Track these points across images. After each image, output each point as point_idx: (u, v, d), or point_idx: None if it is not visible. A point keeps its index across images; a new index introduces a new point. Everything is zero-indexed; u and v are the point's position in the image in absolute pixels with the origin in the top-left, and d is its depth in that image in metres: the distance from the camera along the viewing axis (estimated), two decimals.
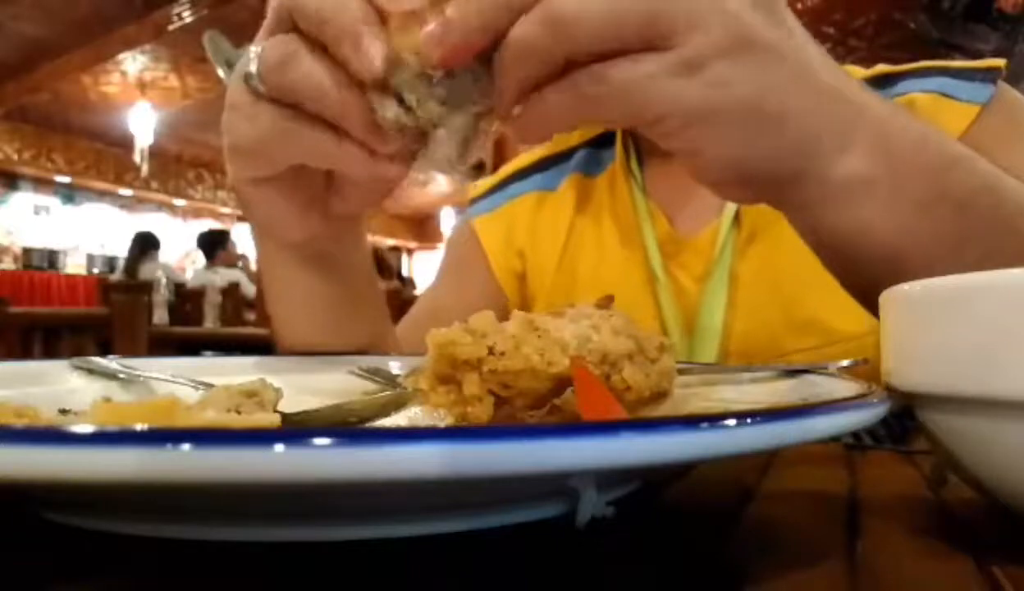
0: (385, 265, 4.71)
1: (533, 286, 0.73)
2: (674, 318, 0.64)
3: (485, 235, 0.75)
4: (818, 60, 0.34)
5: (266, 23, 0.36)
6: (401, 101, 0.32)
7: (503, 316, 0.75)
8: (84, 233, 9.24)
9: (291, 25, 0.34)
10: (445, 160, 0.34)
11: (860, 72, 0.66)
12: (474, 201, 0.79)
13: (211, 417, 0.28)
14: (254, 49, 0.35)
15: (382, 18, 0.32)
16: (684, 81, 0.30)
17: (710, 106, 0.31)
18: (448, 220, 11.00)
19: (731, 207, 0.64)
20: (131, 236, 5.30)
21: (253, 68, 0.35)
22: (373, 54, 0.31)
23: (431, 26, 0.31)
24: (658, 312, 0.65)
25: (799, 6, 4.82)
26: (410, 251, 11.69)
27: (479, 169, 0.34)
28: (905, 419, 0.41)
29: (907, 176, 0.35)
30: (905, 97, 0.62)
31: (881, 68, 0.67)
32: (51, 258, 8.69)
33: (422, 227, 12.06)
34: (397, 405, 0.36)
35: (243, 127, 0.37)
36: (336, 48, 0.32)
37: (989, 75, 0.61)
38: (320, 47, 0.33)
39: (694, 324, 0.63)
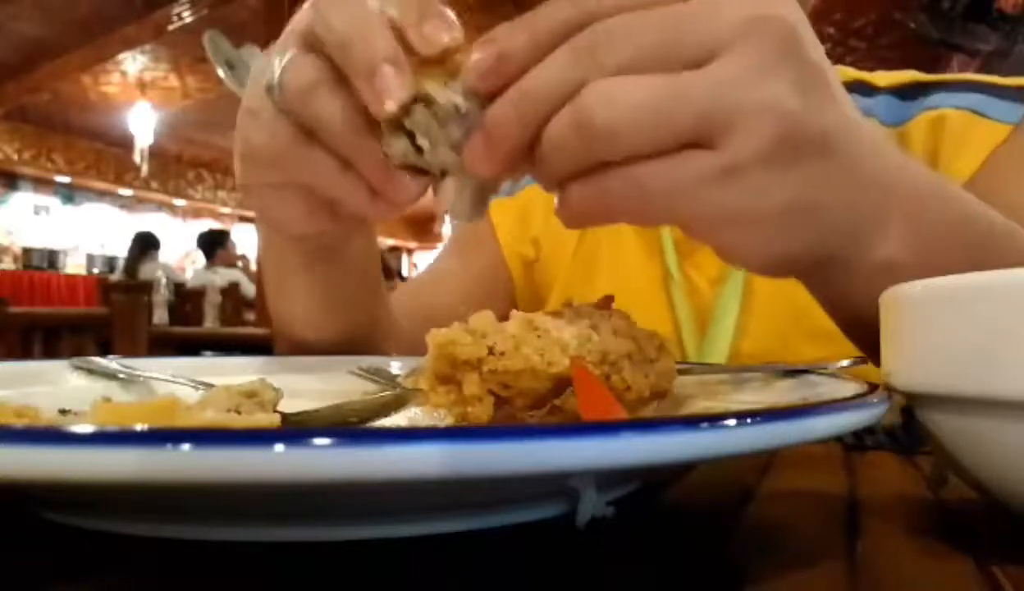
0: (385, 265, 4.70)
1: (548, 275, 0.73)
2: (687, 318, 0.64)
3: (498, 216, 0.75)
4: (864, 142, 0.32)
5: (291, 32, 0.35)
6: (413, 138, 0.31)
7: (507, 298, 0.75)
8: (84, 233, 9.24)
9: (314, 42, 0.33)
10: (448, 204, 0.32)
11: (891, 77, 0.66)
12: None
13: (211, 417, 0.28)
14: (278, 60, 0.34)
15: (408, 50, 0.30)
16: (723, 186, 0.28)
17: (745, 212, 0.29)
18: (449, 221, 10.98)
19: None
20: (131, 236, 5.31)
21: (276, 80, 0.34)
22: (388, 95, 0.30)
23: (475, 138, 0.30)
24: (672, 310, 0.65)
25: None
26: (410, 251, 11.69)
27: (480, 212, 0.33)
28: (910, 429, 0.41)
29: (940, 256, 0.33)
30: (936, 111, 0.61)
31: (914, 75, 0.66)
32: (51, 258, 8.70)
33: (422, 227, 12.06)
34: (397, 405, 0.36)
35: (260, 136, 0.37)
36: (354, 79, 0.31)
37: (1022, 94, 0.60)
38: (343, 77, 0.32)
39: (707, 325, 0.63)
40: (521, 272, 0.75)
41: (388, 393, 0.38)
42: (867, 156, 0.32)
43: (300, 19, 0.35)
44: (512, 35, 0.29)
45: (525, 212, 0.75)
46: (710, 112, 0.27)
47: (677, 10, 0.28)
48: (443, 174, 0.32)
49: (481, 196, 0.32)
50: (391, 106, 0.30)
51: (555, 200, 0.31)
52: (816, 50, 0.30)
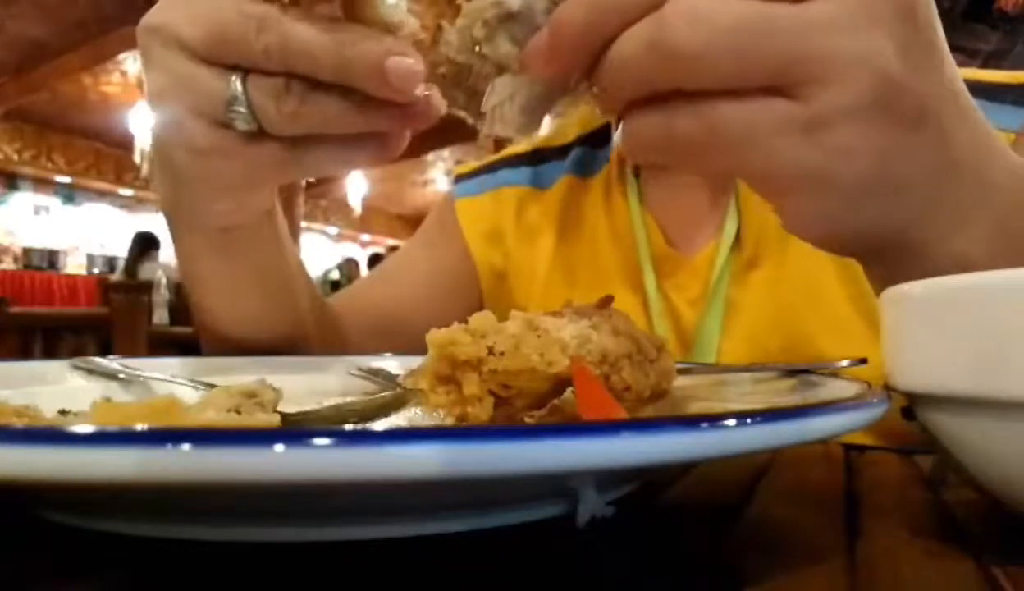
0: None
1: (520, 292, 0.70)
2: (666, 340, 0.62)
3: (467, 221, 0.72)
4: (968, 126, 0.29)
5: (213, 44, 0.33)
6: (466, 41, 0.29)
7: (472, 297, 0.73)
8: (84, 233, 9.24)
9: (255, 57, 0.32)
10: (497, 109, 0.30)
11: None
12: (459, 179, 0.76)
13: (211, 417, 0.28)
14: (235, 85, 0.33)
15: None
16: (804, 141, 0.26)
17: (823, 175, 0.27)
18: None
19: (731, 228, 0.61)
20: (131, 236, 5.30)
21: (242, 110, 0.33)
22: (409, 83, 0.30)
23: (538, 35, 0.28)
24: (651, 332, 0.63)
25: None
26: None
27: (529, 125, 0.31)
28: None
29: (1018, 260, 0.30)
30: None
31: None
32: (51, 258, 8.70)
33: None
34: (397, 405, 0.36)
35: (231, 169, 0.36)
36: (364, 86, 0.31)
37: (1022, 95, 0.56)
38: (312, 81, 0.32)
39: (689, 349, 0.61)
40: (491, 281, 0.72)
41: (388, 393, 0.38)
42: (968, 142, 0.29)
43: (187, 35, 0.33)
44: None
45: (495, 219, 0.72)
46: (801, 54, 0.25)
47: None
48: (500, 72, 0.30)
49: (533, 107, 0.30)
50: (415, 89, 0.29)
51: (615, 130, 0.29)
52: (930, 11, 0.27)
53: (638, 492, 0.28)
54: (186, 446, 0.15)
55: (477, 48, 0.29)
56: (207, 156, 0.35)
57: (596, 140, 0.71)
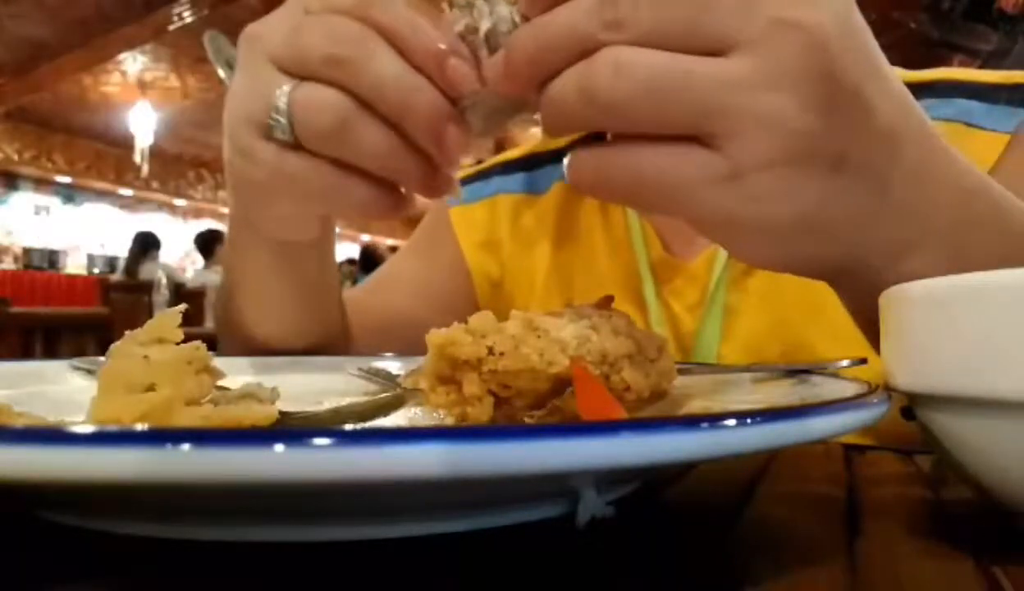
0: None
1: (516, 300, 0.70)
2: None
3: (462, 229, 0.72)
4: (904, 166, 0.29)
5: (267, 54, 0.34)
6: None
7: (469, 305, 0.73)
8: (84, 233, 9.25)
9: (320, 73, 0.33)
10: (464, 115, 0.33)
11: None
12: None
13: (209, 410, 0.28)
14: (281, 93, 0.33)
15: None
16: (725, 189, 0.27)
17: (749, 219, 0.28)
18: None
19: None
20: (131, 236, 5.31)
21: (282, 120, 0.33)
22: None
23: (498, 53, 0.30)
24: None
25: None
26: None
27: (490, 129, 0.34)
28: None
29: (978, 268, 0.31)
30: None
31: (899, 75, 0.63)
32: (51, 258, 8.70)
33: None
34: (397, 405, 0.36)
35: (273, 181, 0.36)
36: (406, 125, 0.32)
37: (1017, 95, 0.55)
38: (366, 103, 0.32)
39: (689, 355, 0.60)
40: (487, 290, 0.71)
41: (388, 393, 0.38)
42: (903, 181, 0.30)
43: (297, 49, 0.34)
44: None
45: (489, 227, 0.71)
46: (716, 108, 0.26)
47: None
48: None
49: (494, 116, 0.33)
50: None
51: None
52: (855, 66, 0.27)
53: (638, 492, 0.28)
54: (186, 446, 0.15)
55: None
56: (253, 163, 0.36)
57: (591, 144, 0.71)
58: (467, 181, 0.75)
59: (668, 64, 0.26)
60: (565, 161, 0.30)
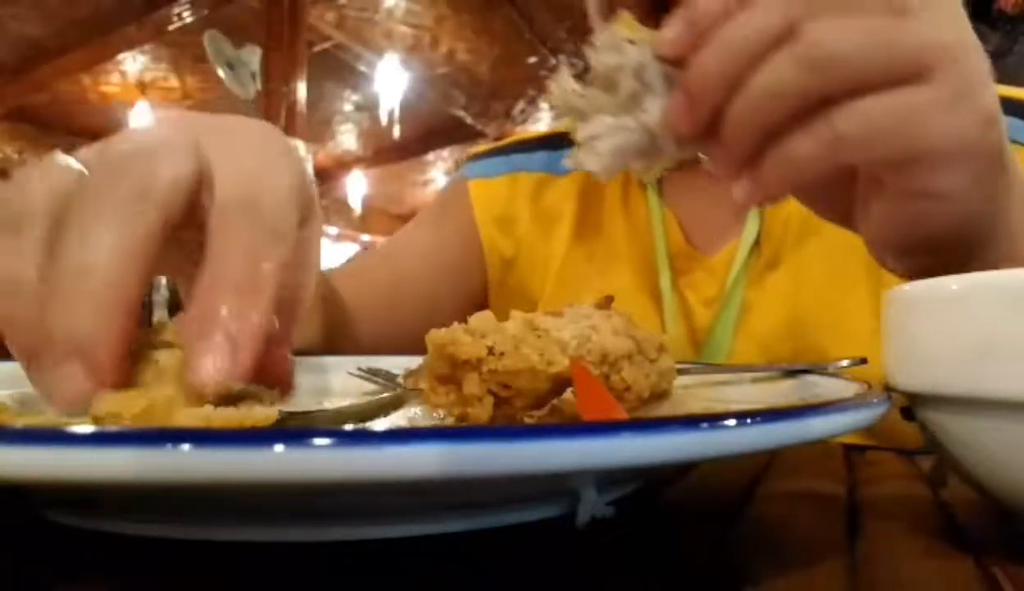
0: None
1: (528, 286, 0.69)
2: (679, 338, 0.60)
3: (479, 201, 0.71)
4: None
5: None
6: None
7: (477, 278, 0.72)
8: None
9: None
10: (587, 145, 0.32)
11: None
12: (473, 159, 0.74)
13: (209, 411, 0.28)
14: None
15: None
16: (954, 112, 0.29)
17: (976, 140, 0.30)
18: None
19: (753, 228, 0.60)
20: None
21: None
22: None
23: (675, 96, 0.30)
24: (663, 331, 0.60)
25: None
26: None
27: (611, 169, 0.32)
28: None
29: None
30: None
31: None
32: None
33: None
34: (397, 405, 0.36)
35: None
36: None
37: None
38: None
39: (701, 350, 0.60)
40: (498, 269, 0.70)
41: (388, 394, 0.38)
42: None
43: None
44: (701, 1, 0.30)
45: (507, 204, 0.70)
46: (928, 41, 0.29)
47: None
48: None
49: (622, 153, 0.32)
50: None
51: (736, 188, 0.31)
52: None
53: (638, 492, 0.28)
54: (186, 446, 0.15)
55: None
56: None
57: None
58: (487, 155, 0.74)
59: (877, 19, 0.28)
60: (752, 174, 0.30)
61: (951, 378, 0.24)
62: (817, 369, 0.37)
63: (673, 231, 0.64)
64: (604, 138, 0.31)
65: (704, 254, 0.62)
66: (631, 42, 0.31)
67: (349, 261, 0.74)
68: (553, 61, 5.71)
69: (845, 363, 0.38)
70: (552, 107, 0.32)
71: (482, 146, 0.76)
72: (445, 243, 0.71)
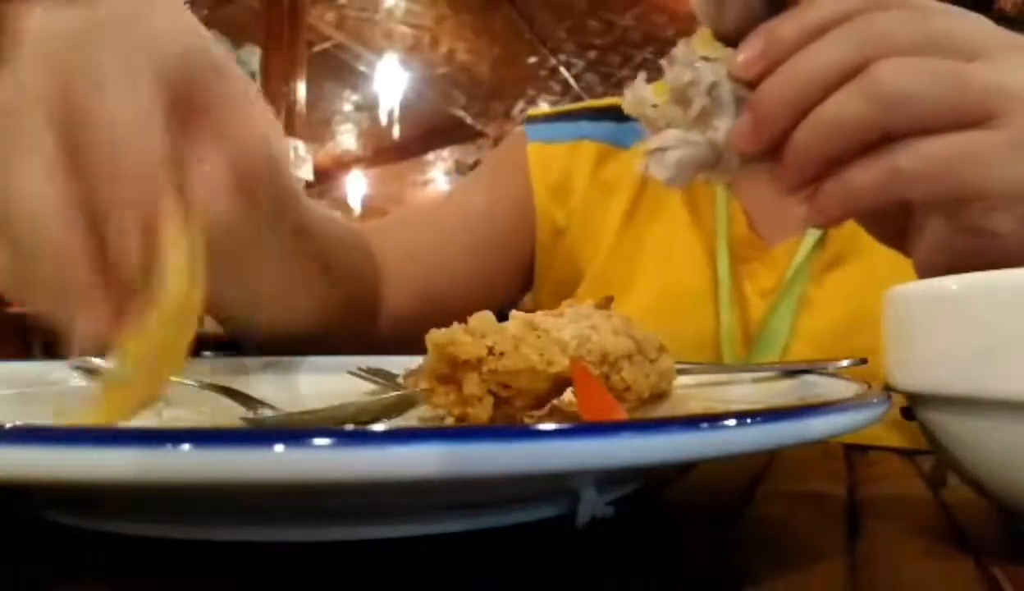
0: None
1: (578, 260, 0.67)
2: (731, 327, 0.59)
3: (537, 167, 0.69)
4: None
5: None
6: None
7: (525, 238, 0.68)
8: None
9: None
10: (656, 156, 0.33)
11: None
12: (532, 121, 0.72)
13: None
14: None
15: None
16: (1014, 159, 0.30)
17: None
18: None
19: None
20: None
21: None
22: None
23: (743, 116, 0.31)
24: (717, 319, 0.59)
25: None
26: None
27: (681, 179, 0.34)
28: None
29: None
30: None
31: None
32: None
33: None
34: (406, 405, 0.36)
35: None
36: None
37: None
38: None
39: (753, 343, 0.58)
40: (548, 236, 0.69)
41: (396, 393, 0.38)
42: None
43: None
44: (779, 25, 0.31)
45: (566, 172, 0.69)
46: (996, 88, 0.29)
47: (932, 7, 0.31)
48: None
49: (689, 164, 0.33)
50: None
51: (798, 211, 0.32)
52: None
53: (638, 492, 0.28)
54: (186, 446, 0.15)
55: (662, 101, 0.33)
56: None
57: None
58: (550, 119, 0.72)
59: (945, 61, 0.29)
60: (811, 196, 0.32)
61: (951, 378, 0.24)
62: (817, 369, 0.37)
63: (737, 218, 0.62)
64: (672, 150, 0.33)
65: (767, 244, 0.61)
66: (706, 59, 0.32)
67: (391, 217, 0.73)
68: (553, 61, 5.72)
69: (845, 363, 0.38)
70: (627, 114, 0.34)
71: (542, 110, 0.74)
72: (497, 202, 0.70)
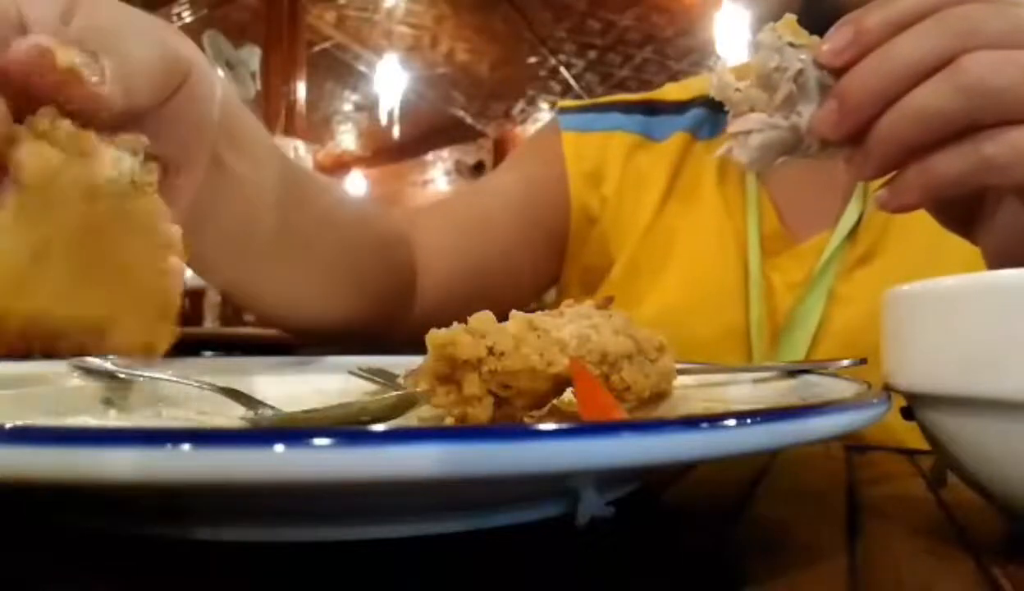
0: None
1: (610, 246, 0.68)
2: (760, 319, 0.59)
3: (572, 156, 0.70)
4: None
5: None
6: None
7: (558, 222, 0.69)
8: None
9: None
10: (739, 139, 0.34)
11: None
12: (564, 112, 0.73)
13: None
14: None
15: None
16: None
17: None
18: None
19: (851, 217, 0.59)
20: None
21: None
22: None
23: (828, 103, 0.32)
24: (746, 311, 0.60)
25: None
26: None
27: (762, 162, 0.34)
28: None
29: None
30: None
31: None
32: None
33: None
34: (406, 405, 0.36)
35: None
36: None
37: None
38: None
39: (780, 334, 0.59)
40: (582, 224, 0.69)
41: (396, 393, 0.38)
42: None
43: None
44: (867, 16, 0.31)
45: (599, 160, 0.69)
46: None
47: None
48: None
49: (771, 148, 0.34)
50: None
51: (880, 192, 0.32)
52: None
53: (638, 492, 0.28)
54: (186, 446, 0.15)
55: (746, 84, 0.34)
56: None
57: (717, 104, 0.68)
58: (584, 110, 0.73)
59: None
60: (889, 182, 0.32)
61: (951, 378, 0.24)
62: (817, 369, 0.37)
63: (768, 212, 0.63)
64: (756, 133, 0.33)
65: (796, 238, 0.62)
66: (791, 45, 0.32)
67: (430, 205, 0.74)
68: (553, 61, 5.71)
69: (845, 363, 0.38)
70: (713, 98, 0.35)
71: (572, 101, 0.74)
72: (532, 186, 0.70)
